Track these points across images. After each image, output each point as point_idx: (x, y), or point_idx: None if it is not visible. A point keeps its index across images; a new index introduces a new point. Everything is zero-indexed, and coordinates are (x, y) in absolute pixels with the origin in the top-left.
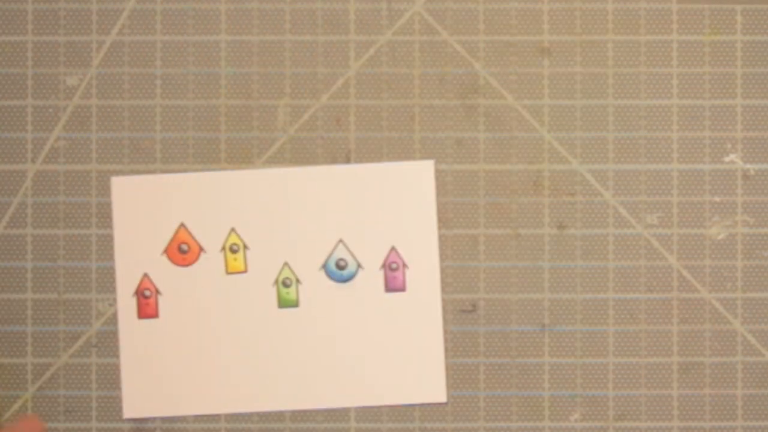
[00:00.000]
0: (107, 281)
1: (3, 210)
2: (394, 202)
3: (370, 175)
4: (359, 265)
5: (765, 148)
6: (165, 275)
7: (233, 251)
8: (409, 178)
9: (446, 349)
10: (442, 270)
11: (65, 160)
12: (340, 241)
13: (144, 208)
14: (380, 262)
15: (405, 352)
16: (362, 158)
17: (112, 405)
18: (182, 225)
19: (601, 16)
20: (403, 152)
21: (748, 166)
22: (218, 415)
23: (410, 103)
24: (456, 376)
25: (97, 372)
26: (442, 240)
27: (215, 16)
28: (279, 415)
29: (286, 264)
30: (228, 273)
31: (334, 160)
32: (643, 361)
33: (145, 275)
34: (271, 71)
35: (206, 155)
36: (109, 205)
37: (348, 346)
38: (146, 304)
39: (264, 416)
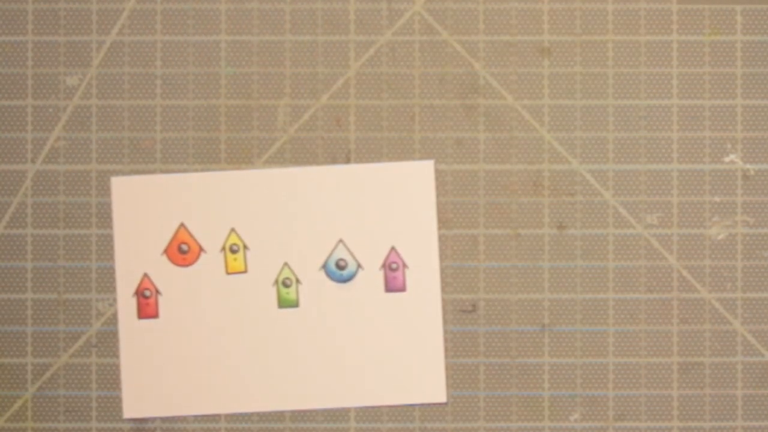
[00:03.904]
0: (107, 281)
1: (3, 210)
2: (394, 202)
3: (370, 175)
4: (359, 265)
5: (765, 148)
6: (165, 275)
7: (233, 251)
8: (409, 178)
9: (446, 349)
10: (442, 270)
11: (65, 160)
12: (340, 241)
13: (144, 208)
14: (380, 262)
15: (405, 352)
16: (362, 158)
17: (112, 405)
18: (182, 225)
19: (601, 16)
20: (403, 152)
21: (748, 166)
22: (218, 415)
23: (410, 103)
24: (456, 376)
25: (97, 372)
26: (442, 240)
27: (215, 16)
28: (279, 415)
29: (286, 264)
30: (228, 273)
31: (334, 160)
32: (643, 361)
33: (145, 275)
34: (271, 71)
35: (206, 155)
36: (109, 205)
37: (348, 346)
38: (146, 304)
39: (264, 416)
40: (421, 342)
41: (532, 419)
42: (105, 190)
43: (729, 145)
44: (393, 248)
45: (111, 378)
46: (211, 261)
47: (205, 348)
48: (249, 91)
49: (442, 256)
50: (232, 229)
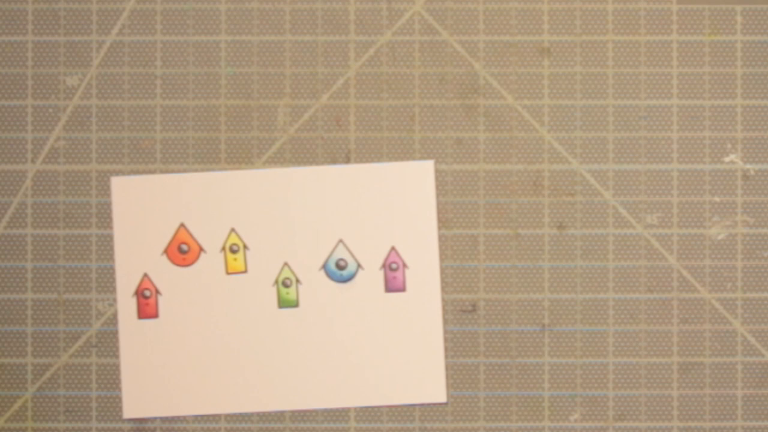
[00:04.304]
0: (107, 281)
1: (3, 210)
2: (394, 202)
3: (370, 175)
4: (359, 265)
5: (765, 148)
6: (165, 275)
7: (233, 251)
8: (409, 178)
9: (446, 349)
10: (442, 270)
11: (65, 160)
12: (340, 241)
13: (144, 208)
14: (380, 262)
15: (405, 352)
16: (362, 158)
17: (112, 405)
18: (182, 225)
19: (601, 16)
20: (403, 152)
21: (748, 166)
22: (218, 415)
23: (410, 103)
24: (456, 376)
25: (97, 372)
26: (442, 240)
27: (215, 16)
28: (279, 415)
29: (286, 264)
30: (228, 273)
31: (334, 160)
32: (643, 361)
33: (145, 275)
34: (271, 71)
35: (206, 155)
36: (109, 205)
37: (348, 346)
38: (146, 304)
39: (264, 416)
40: (421, 342)
41: (532, 419)
42: (105, 190)
43: (729, 145)
44: (393, 248)
45: (111, 378)
46: (211, 261)
47: (205, 348)
48: (249, 91)
49: (442, 256)
50: (232, 229)
